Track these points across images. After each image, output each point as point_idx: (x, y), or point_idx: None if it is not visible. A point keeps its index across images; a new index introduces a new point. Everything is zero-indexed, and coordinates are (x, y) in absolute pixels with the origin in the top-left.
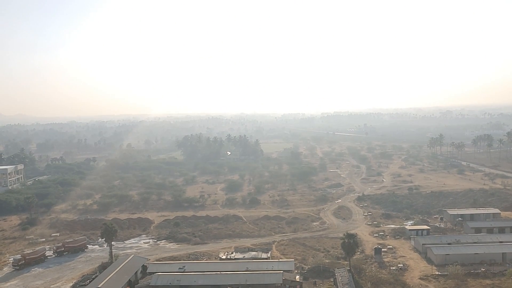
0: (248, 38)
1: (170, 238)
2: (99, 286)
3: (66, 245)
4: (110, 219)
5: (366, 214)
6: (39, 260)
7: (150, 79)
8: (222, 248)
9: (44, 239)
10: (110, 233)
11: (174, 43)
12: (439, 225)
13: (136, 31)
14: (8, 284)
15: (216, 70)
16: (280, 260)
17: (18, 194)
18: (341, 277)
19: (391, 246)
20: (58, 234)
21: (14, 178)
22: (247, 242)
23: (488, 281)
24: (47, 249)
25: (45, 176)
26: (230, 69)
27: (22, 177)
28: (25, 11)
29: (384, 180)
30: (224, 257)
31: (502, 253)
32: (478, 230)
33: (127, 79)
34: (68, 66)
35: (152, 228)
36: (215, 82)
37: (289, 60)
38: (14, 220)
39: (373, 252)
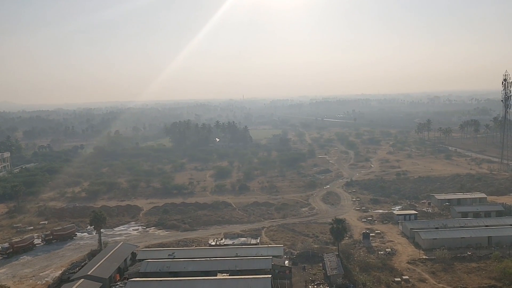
0: (236, 24)
1: (159, 225)
2: (88, 273)
3: (54, 233)
4: (98, 206)
5: (354, 199)
6: (27, 248)
7: (137, 65)
8: (211, 235)
9: (32, 227)
10: (99, 220)
11: (161, 29)
12: (427, 210)
13: (124, 18)
14: None
15: (204, 56)
16: (269, 245)
17: (5, 182)
18: (329, 262)
19: (379, 231)
20: (46, 222)
21: (0, 166)
22: (237, 228)
23: (474, 264)
24: (35, 237)
25: (32, 164)
26: (218, 55)
27: (9, 165)
28: None
29: (372, 166)
30: (213, 243)
31: (488, 236)
32: (464, 215)
33: (114, 65)
34: (54, 52)
35: (141, 215)
36: (203, 68)
37: (277, 46)
38: (1, 208)
39: (361, 237)
